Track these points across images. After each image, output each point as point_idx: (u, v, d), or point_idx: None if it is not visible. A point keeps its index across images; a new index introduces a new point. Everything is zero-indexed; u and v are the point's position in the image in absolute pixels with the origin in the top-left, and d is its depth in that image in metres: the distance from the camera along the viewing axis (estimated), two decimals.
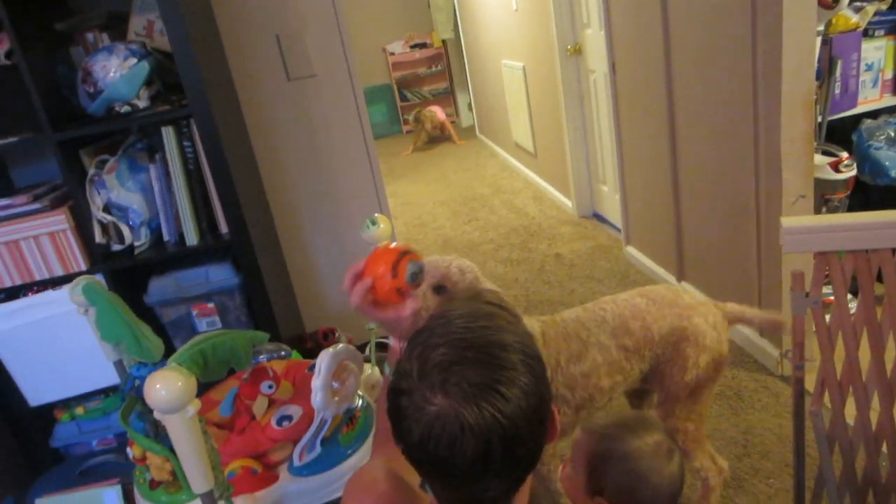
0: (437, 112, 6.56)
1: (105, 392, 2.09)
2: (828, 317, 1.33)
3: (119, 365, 1.53)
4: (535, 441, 0.73)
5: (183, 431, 1.02)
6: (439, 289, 1.29)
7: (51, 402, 2.05)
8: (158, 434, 1.34)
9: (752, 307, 1.61)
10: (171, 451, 1.16)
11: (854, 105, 2.31)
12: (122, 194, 1.87)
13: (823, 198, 2.19)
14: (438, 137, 6.70)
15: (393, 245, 1.00)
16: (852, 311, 1.30)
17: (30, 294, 1.95)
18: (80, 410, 2.10)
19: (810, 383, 1.47)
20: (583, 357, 1.47)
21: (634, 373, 1.53)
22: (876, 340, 1.29)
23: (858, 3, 2.22)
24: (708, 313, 1.53)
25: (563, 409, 1.47)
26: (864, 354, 1.31)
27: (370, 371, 1.67)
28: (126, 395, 1.40)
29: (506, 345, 0.72)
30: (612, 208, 3.60)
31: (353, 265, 0.99)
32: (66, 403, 2.09)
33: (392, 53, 7.04)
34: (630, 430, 1.08)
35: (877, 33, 2.28)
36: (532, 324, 1.47)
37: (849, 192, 2.21)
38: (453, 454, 0.68)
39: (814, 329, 1.34)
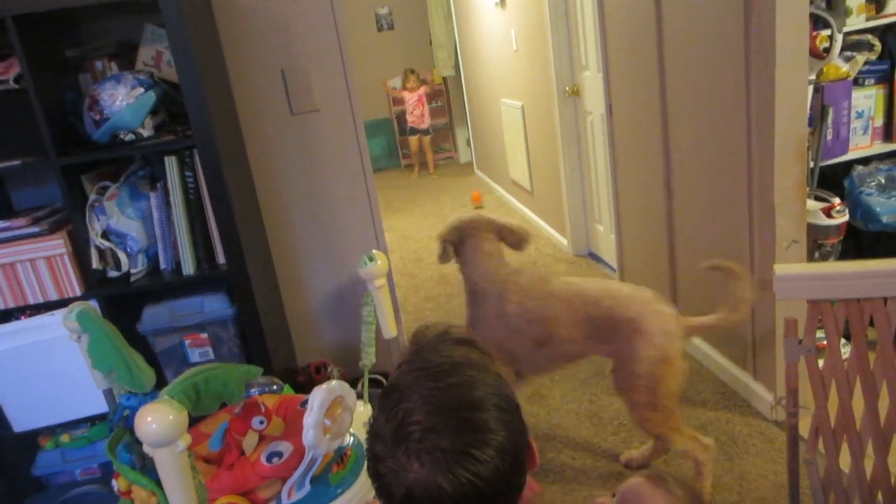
0: (408, 97, 6.68)
1: (92, 420, 2.06)
2: (821, 362, 1.33)
3: (109, 394, 1.51)
4: (515, 487, 0.75)
5: (171, 466, 1.01)
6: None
7: (36, 429, 2.02)
8: (145, 467, 1.32)
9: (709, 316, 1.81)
10: (158, 484, 1.14)
11: (846, 151, 2.35)
12: (122, 221, 1.88)
13: (816, 243, 2.21)
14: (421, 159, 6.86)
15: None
16: (845, 357, 1.31)
17: (22, 317, 1.94)
18: (65, 438, 2.06)
19: (805, 430, 1.47)
20: (547, 303, 1.77)
21: (590, 344, 1.79)
22: (869, 389, 1.30)
23: (849, 53, 2.28)
24: (664, 318, 1.72)
25: (522, 342, 1.78)
26: (858, 402, 1.31)
27: (363, 408, 1.66)
28: (115, 426, 1.38)
29: (477, 402, 0.73)
30: (607, 248, 3.62)
31: None
32: (52, 430, 2.06)
33: (393, 88, 7.14)
34: None
35: (867, 82, 2.33)
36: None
37: (841, 238, 2.23)
38: None
39: (807, 375, 1.35)
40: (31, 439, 2.07)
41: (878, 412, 1.31)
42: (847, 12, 2.22)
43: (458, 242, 1.92)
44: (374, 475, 0.74)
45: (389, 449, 0.72)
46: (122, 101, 1.79)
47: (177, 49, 1.74)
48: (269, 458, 1.37)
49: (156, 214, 1.91)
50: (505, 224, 1.90)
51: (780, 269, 1.29)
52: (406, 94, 6.68)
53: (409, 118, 6.72)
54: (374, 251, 1.68)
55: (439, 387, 0.74)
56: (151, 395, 1.39)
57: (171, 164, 1.86)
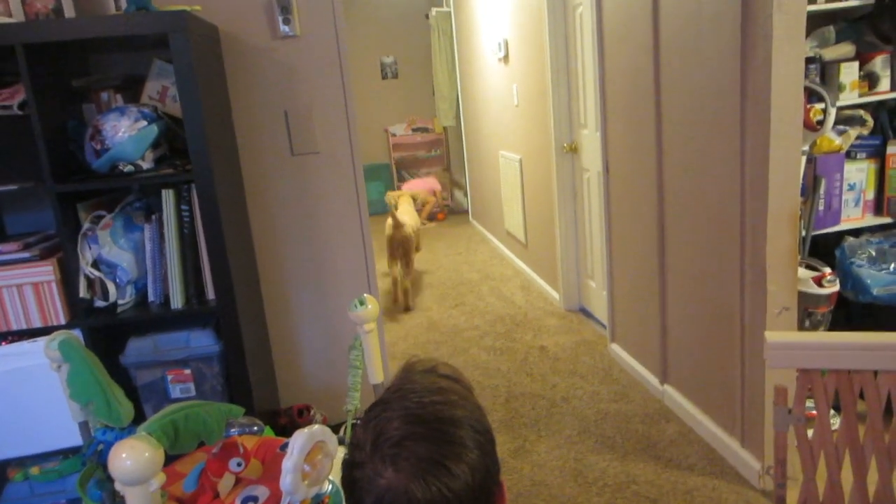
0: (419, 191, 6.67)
1: (64, 453, 2.00)
2: (810, 432, 1.31)
3: (84, 426, 1.47)
4: None
5: None
6: None
7: (6, 459, 1.96)
8: None
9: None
10: None
11: (837, 222, 2.39)
12: (114, 251, 1.87)
13: (807, 311, 2.22)
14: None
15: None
16: (835, 427, 1.29)
17: (3, 344, 1.90)
18: (34, 471, 2.00)
19: (793, 501, 1.44)
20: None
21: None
22: (858, 462, 1.28)
23: (841, 127, 2.34)
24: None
25: (401, 247, 4.19)
26: (847, 475, 1.29)
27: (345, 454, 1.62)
28: (87, 460, 1.34)
29: (455, 420, 0.76)
30: (598, 304, 3.62)
31: None
32: (22, 462, 2.00)
33: (394, 135, 7.24)
34: None
35: (859, 156, 2.39)
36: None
37: (832, 307, 2.24)
38: None
39: (795, 444, 1.33)
40: (0, 470, 2.00)
41: (867, 487, 1.28)
42: (840, 88, 2.29)
43: (395, 202, 4.50)
44: (348, 483, 0.76)
45: (367, 455, 0.74)
46: (124, 132, 1.81)
47: (183, 85, 1.77)
48: (244, 503, 1.32)
49: (148, 246, 1.90)
50: (417, 196, 4.91)
51: (772, 336, 1.29)
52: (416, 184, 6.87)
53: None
54: (365, 295, 1.67)
55: (422, 402, 0.77)
56: (128, 430, 1.36)
57: (167, 197, 1.87)
